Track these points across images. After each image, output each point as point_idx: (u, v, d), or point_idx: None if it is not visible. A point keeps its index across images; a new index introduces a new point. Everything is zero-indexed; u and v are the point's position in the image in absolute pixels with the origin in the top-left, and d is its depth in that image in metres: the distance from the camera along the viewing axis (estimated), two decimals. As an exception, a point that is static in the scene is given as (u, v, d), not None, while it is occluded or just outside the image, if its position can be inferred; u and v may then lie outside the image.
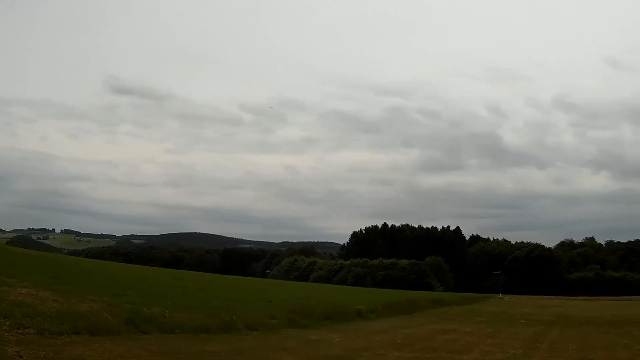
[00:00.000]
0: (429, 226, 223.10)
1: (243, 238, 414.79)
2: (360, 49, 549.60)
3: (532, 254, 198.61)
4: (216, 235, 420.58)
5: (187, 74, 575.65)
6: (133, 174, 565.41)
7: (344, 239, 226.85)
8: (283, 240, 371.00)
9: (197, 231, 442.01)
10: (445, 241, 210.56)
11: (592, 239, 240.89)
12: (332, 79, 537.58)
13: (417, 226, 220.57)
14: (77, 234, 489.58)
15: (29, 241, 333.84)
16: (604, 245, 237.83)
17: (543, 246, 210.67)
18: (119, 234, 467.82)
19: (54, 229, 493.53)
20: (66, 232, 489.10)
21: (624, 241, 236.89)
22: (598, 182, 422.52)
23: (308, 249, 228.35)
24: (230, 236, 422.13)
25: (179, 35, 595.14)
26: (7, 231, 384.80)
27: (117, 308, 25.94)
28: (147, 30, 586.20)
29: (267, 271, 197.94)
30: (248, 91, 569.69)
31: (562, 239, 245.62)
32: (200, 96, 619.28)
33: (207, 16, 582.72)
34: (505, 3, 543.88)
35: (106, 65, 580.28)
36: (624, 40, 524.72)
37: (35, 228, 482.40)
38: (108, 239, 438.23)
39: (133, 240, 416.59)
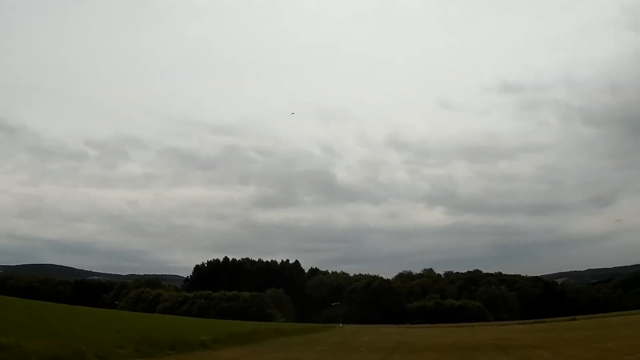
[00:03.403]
0: (269, 259, 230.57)
1: (92, 270, 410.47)
2: (196, 89, 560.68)
3: (371, 285, 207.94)
4: (68, 267, 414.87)
5: (37, 107, 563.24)
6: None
7: (187, 272, 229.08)
8: (129, 273, 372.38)
9: (51, 262, 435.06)
10: (285, 274, 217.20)
11: (431, 270, 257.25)
12: (170, 117, 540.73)
13: (257, 260, 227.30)
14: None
15: None
16: (442, 275, 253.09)
17: (382, 277, 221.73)
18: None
19: None
20: None
21: (462, 271, 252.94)
22: (433, 217, 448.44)
23: (153, 282, 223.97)
24: (80, 268, 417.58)
25: (31, 69, 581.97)
26: None
27: (-24, 337, 27.07)
28: (3, 63, 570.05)
29: (116, 302, 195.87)
30: (93, 127, 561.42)
31: (401, 271, 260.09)
32: (49, 130, 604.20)
33: (55, 51, 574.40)
34: (334, 44, 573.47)
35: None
36: (454, 81, 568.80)
37: None
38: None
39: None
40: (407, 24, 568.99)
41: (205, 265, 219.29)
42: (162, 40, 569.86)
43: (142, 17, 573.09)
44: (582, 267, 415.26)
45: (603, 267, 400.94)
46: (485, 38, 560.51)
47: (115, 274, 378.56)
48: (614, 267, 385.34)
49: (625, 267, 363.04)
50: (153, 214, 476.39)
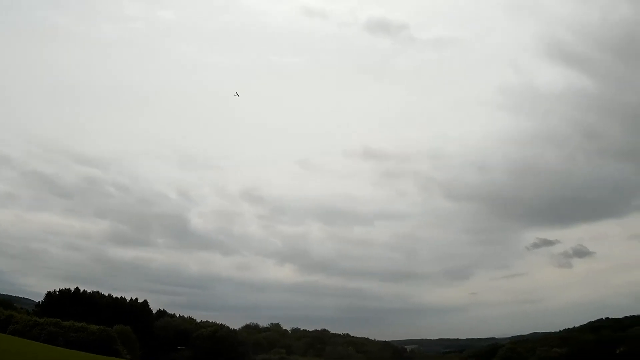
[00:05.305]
0: (119, 296, 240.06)
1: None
2: (65, 116, 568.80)
3: (217, 333, 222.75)
4: None
5: None
6: None
7: (39, 297, 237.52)
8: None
9: None
10: (134, 312, 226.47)
11: (278, 324, 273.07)
12: (37, 139, 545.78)
13: (107, 294, 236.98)
14: None
15: None
16: (289, 331, 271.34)
17: (228, 327, 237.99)
18: None
19: None
20: None
21: (310, 330, 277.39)
22: (283, 273, 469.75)
23: (6, 302, 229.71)
24: None
25: None
26: None
27: None
28: None
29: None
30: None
31: (248, 322, 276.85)
32: None
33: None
34: (205, 91, 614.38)
35: None
36: (317, 143, 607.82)
37: None
38: None
39: None
40: (279, 81, 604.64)
41: (57, 293, 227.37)
42: (39, 63, 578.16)
43: (22, 38, 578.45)
44: (433, 336, 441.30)
45: (455, 337, 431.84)
46: (354, 104, 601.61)
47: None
48: (467, 339, 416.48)
49: (478, 339, 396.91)
50: (11, 235, 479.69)
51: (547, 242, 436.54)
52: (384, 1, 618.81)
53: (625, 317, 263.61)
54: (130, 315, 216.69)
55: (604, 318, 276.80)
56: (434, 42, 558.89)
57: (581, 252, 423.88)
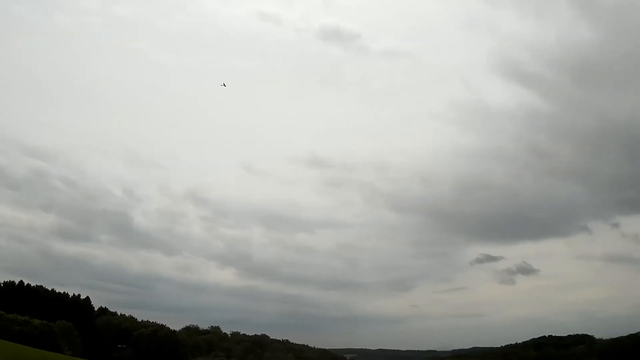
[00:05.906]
0: (62, 291, 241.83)
1: None
2: (18, 107, 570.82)
3: (157, 333, 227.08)
4: None
5: None
6: None
7: None
8: None
9: None
10: (76, 308, 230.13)
11: (218, 328, 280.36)
12: None
13: (50, 289, 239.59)
14: None
15: None
16: (229, 335, 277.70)
17: (168, 328, 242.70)
18: None
19: None
20: None
21: (250, 334, 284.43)
22: (224, 276, 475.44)
23: None
24: None
25: None
26: None
27: None
28: None
29: None
30: None
31: (188, 324, 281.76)
32: None
33: None
34: (156, 89, 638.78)
35: None
36: (262, 147, 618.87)
37: None
38: None
39: None
40: (229, 83, 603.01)
41: (2, 285, 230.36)
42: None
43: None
44: (372, 346, 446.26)
45: (395, 348, 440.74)
46: (302, 111, 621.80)
47: None
48: (407, 350, 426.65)
49: (419, 351, 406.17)
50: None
51: (491, 258, 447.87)
52: (338, 10, 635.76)
53: (569, 336, 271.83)
54: (72, 311, 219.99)
55: (547, 335, 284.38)
56: (386, 53, 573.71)
57: (525, 270, 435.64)
